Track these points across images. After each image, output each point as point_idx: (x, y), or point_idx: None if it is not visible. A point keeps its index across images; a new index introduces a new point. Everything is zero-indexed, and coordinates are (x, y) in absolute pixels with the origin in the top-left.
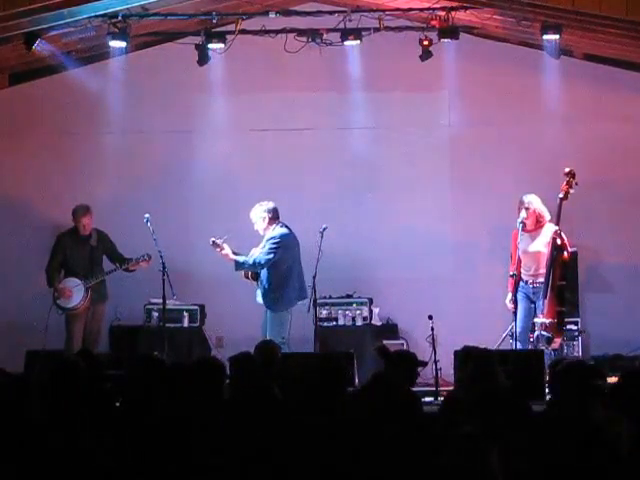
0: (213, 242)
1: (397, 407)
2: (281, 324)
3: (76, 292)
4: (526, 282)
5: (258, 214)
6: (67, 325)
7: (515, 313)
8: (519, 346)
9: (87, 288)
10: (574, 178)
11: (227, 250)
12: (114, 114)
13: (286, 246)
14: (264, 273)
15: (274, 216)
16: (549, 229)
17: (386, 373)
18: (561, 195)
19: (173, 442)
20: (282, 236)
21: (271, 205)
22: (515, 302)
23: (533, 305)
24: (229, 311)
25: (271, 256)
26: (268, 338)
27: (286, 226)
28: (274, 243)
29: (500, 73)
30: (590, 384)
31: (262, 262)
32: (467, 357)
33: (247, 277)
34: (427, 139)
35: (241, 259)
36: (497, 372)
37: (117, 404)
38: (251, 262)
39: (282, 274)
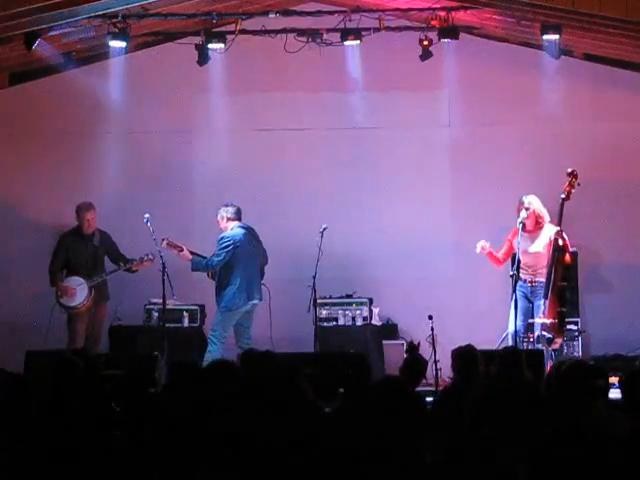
0: (169, 243)
1: (405, 407)
2: (224, 322)
3: (80, 291)
4: (524, 281)
5: (219, 214)
6: (70, 324)
7: (516, 313)
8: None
9: (91, 287)
10: (576, 179)
11: (186, 251)
12: (114, 114)
13: (237, 246)
14: (216, 273)
15: (233, 217)
16: (549, 230)
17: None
18: (563, 195)
19: (178, 442)
20: (232, 236)
21: (232, 207)
22: (515, 302)
23: (531, 305)
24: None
25: (222, 257)
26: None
27: (245, 227)
28: (222, 243)
29: (500, 73)
30: (592, 384)
31: (213, 263)
32: (471, 357)
33: (209, 277)
34: (427, 139)
35: (197, 260)
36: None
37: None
38: (204, 263)
39: (230, 274)
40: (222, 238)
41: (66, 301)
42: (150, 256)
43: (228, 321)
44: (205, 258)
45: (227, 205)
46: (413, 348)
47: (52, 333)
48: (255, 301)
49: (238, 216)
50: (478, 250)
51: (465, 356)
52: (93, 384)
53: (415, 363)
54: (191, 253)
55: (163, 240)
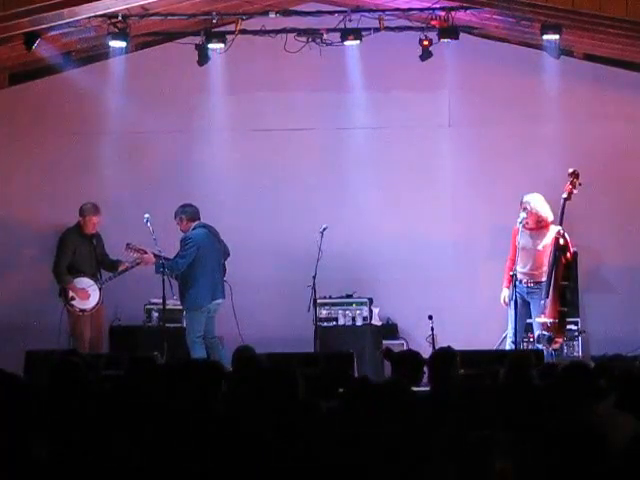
0: (128, 246)
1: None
2: (194, 323)
3: (92, 293)
4: (520, 281)
5: (177, 217)
6: (75, 327)
7: (516, 313)
8: (512, 347)
9: (100, 289)
10: (578, 179)
11: (150, 254)
12: (114, 114)
13: (200, 246)
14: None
15: (190, 217)
16: (553, 232)
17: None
18: (564, 195)
19: (175, 441)
20: (195, 237)
21: (189, 207)
22: (515, 302)
23: (527, 305)
24: (228, 311)
25: (186, 258)
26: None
27: (205, 226)
28: (186, 244)
29: (500, 73)
30: (591, 384)
31: (179, 264)
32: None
33: (173, 278)
34: (427, 139)
35: (160, 262)
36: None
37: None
38: (169, 265)
39: (194, 274)
40: (185, 239)
41: (80, 304)
42: (131, 262)
43: (196, 321)
44: (169, 260)
45: (184, 206)
46: (388, 354)
47: (51, 333)
48: (220, 300)
49: (197, 216)
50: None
51: (443, 358)
52: (93, 384)
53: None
54: (155, 256)
55: (128, 245)
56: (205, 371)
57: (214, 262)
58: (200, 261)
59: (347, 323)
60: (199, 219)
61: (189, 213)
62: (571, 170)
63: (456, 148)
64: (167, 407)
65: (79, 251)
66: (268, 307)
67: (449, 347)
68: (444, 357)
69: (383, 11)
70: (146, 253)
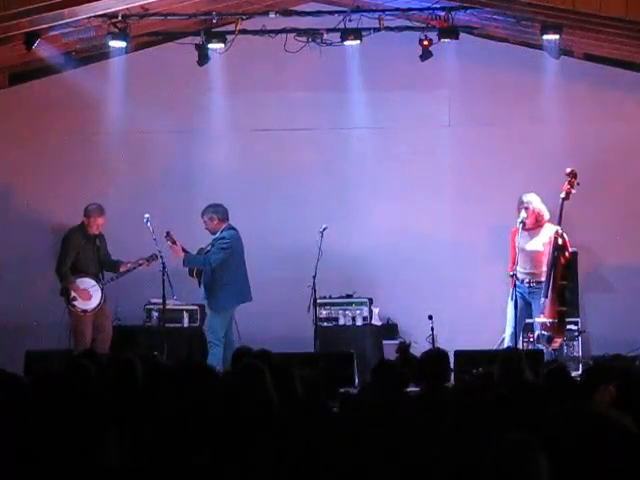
0: (168, 234)
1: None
2: (218, 324)
3: (94, 293)
4: (522, 281)
5: (208, 215)
6: (77, 326)
7: (516, 313)
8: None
9: (102, 289)
10: (576, 178)
11: (179, 245)
12: (114, 114)
13: (233, 248)
14: (207, 273)
15: (222, 217)
16: (549, 229)
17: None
18: (563, 195)
19: (176, 442)
20: (231, 237)
21: (221, 207)
22: (516, 302)
23: (528, 305)
24: None
25: (221, 255)
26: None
27: (235, 228)
28: (225, 243)
29: (500, 73)
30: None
31: (212, 261)
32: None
33: (192, 275)
34: (427, 139)
35: (191, 256)
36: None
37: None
38: (202, 259)
39: (225, 275)
40: (223, 238)
41: (82, 304)
42: (154, 256)
43: (224, 321)
44: (195, 255)
45: (216, 206)
46: (404, 349)
47: (51, 333)
48: (246, 302)
49: (228, 216)
50: None
51: (435, 359)
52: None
53: (406, 364)
54: (183, 250)
55: (167, 233)
56: (202, 372)
57: (244, 265)
58: (232, 264)
59: (347, 323)
60: (228, 220)
61: (221, 213)
62: (569, 170)
63: (456, 148)
64: (166, 408)
65: (82, 251)
66: (268, 307)
67: (438, 348)
68: (434, 359)
69: (383, 11)
70: (176, 244)
